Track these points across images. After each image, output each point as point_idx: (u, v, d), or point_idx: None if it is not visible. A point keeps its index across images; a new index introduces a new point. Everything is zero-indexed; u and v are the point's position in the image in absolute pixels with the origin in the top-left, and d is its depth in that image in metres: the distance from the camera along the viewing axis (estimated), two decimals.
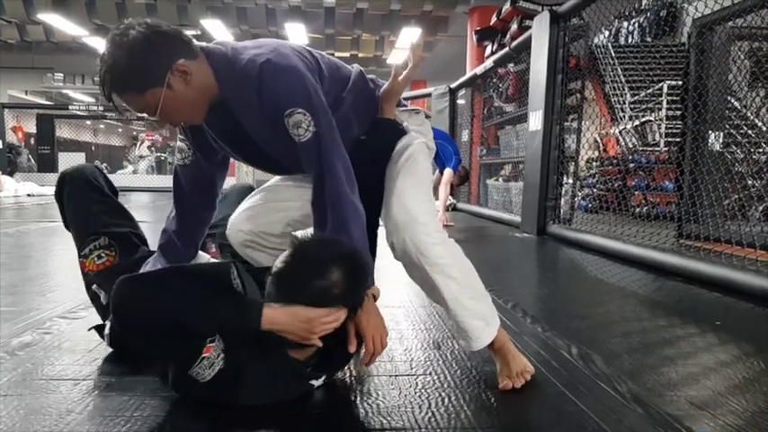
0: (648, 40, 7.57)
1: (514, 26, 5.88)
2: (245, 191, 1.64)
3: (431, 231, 1.25)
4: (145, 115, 1.14)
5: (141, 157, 14.84)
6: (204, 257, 1.49)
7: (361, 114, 1.32)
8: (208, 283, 1.12)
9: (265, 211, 1.42)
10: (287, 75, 1.13)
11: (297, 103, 1.12)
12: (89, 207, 1.49)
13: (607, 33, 7.42)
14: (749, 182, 3.81)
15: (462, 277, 1.29)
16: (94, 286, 1.44)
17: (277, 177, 1.50)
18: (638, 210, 5.49)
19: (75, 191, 1.50)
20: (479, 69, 6.79)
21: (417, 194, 1.28)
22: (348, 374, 1.35)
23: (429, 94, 8.41)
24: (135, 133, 24.30)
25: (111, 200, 1.54)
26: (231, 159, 1.40)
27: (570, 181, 4.46)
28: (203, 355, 1.05)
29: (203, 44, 1.17)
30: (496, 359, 1.32)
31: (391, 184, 1.30)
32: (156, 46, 1.09)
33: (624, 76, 6.69)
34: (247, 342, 1.09)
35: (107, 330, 1.37)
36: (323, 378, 1.22)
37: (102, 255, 1.45)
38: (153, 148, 15.13)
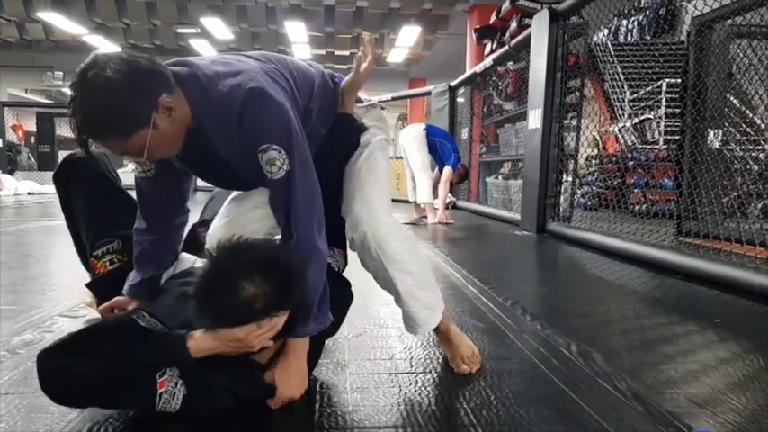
0: (648, 38, 7.56)
1: (514, 24, 5.87)
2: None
3: (392, 229, 1.32)
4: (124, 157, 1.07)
5: None
6: (188, 260, 1.44)
7: (326, 116, 1.33)
8: (120, 335, 1.06)
9: (244, 221, 1.39)
10: (269, 108, 1.09)
11: (274, 139, 1.08)
12: (105, 204, 1.47)
13: (606, 31, 7.41)
14: (752, 169, 3.80)
15: (418, 272, 1.36)
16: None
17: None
18: (637, 207, 5.50)
19: (91, 183, 1.46)
20: (479, 68, 6.79)
21: (378, 192, 1.34)
22: (348, 372, 1.36)
23: (429, 93, 8.40)
24: None
25: (124, 194, 1.52)
26: None
27: (570, 179, 4.46)
28: (159, 392, 1.01)
29: (171, 69, 1.09)
30: (442, 342, 1.45)
31: (353, 181, 1.33)
32: (139, 85, 1.00)
33: (623, 74, 6.69)
34: (207, 359, 1.06)
35: None
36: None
37: (115, 260, 1.44)
38: None
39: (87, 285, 1.55)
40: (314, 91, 1.29)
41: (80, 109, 0.99)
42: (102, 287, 1.47)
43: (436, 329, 1.42)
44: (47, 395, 0.99)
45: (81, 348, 1.01)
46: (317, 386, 1.27)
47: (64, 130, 13.67)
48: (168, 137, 1.07)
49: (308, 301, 1.12)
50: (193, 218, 1.49)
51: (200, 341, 1.04)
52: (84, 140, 1.02)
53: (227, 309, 1.01)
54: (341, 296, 1.33)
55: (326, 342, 1.44)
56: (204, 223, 1.54)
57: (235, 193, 1.47)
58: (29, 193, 9.26)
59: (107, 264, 1.44)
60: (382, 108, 1.49)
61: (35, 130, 12.39)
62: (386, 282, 1.35)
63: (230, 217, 1.41)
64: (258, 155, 1.09)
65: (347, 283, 1.39)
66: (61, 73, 15.98)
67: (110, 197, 1.49)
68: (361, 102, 1.45)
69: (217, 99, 1.09)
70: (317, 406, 1.18)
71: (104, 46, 13.12)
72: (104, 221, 1.46)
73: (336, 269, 1.35)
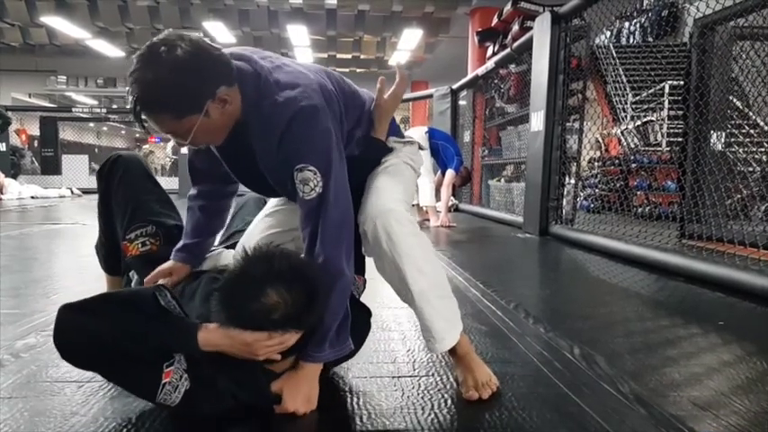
0: (650, 40, 7.58)
1: (516, 27, 5.88)
2: (260, 200, 1.64)
3: (403, 220, 1.23)
4: (168, 136, 1.10)
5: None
6: (228, 256, 1.46)
7: (362, 140, 1.33)
8: (138, 308, 1.07)
9: (279, 237, 1.39)
10: (315, 129, 1.11)
11: (312, 160, 1.10)
12: (143, 194, 1.52)
13: (608, 34, 7.43)
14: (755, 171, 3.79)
15: (432, 273, 1.27)
16: (131, 272, 1.46)
17: (273, 201, 1.49)
18: (640, 210, 5.49)
19: (132, 176, 1.52)
20: (481, 70, 6.80)
21: (394, 190, 1.28)
22: (350, 375, 1.36)
23: (431, 96, 8.41)
24: (138, 135, 24.43)
25: (163, 191, 1.58)
26: None
27: (572, 181, 4.46)
28: (163, 381, 1.01)
29: (236, 63, 1.11)
30: (459, 367, 1.30)
31: (369, 185, 1.30)
32: (204, 71, 1.04)
33: (626, 76, 6.70)
34: (217, 357, 1.06)
35: None
36: None
37: (147, 243, 1.47)
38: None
39: (110, 272, 1.59)
40: (362, 115, 1.31)
41: (142, 80, 1.01)
42: (133, 269, 1.49)
43: (453, 353, 1.30)
44: (57, 349, 1.01)
45: (101, 312, 1.03)
46: (319, 389, 1.27)
47: (67, 134, 13.75)
48: (216, 127, 1.11)
49: (325, 325, 1.12)
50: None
51: (211, 334, 1.05)
52: (138, 112, 1.04)
53: (245, 310, 1.02)
54: (359, 324, 1.30)
55: None
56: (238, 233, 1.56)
57: (265, 213, 1.48)
58: (32, 197, 9.28)
59: (139, 246, 1.47)
60: (421, 148, 1.48)
61: (38, 134, 12.44)
62: (401, 284, 1.25)
63: (266, 236, 1.41)
64: (294, 172, 1.10)
65: (367, 312, 1.36)
66: (64, 77, 16.09)
67: (149, 191, 1.55)
68: (402, 137, 1.43)
69: (269, 106, 1.11)
70: (317, 409, 1.17)
71: (107, 50, 13.19)
72: (141, 210, 1.50)
73: (356, 295, 1.35)
